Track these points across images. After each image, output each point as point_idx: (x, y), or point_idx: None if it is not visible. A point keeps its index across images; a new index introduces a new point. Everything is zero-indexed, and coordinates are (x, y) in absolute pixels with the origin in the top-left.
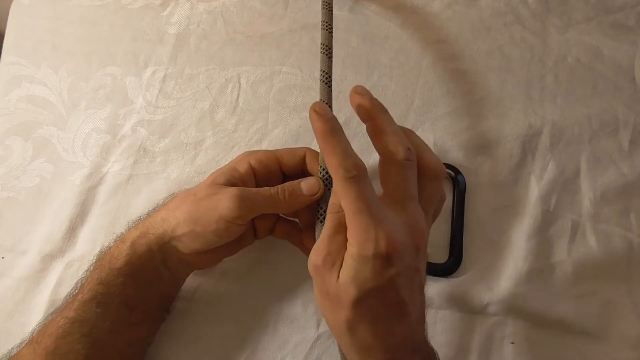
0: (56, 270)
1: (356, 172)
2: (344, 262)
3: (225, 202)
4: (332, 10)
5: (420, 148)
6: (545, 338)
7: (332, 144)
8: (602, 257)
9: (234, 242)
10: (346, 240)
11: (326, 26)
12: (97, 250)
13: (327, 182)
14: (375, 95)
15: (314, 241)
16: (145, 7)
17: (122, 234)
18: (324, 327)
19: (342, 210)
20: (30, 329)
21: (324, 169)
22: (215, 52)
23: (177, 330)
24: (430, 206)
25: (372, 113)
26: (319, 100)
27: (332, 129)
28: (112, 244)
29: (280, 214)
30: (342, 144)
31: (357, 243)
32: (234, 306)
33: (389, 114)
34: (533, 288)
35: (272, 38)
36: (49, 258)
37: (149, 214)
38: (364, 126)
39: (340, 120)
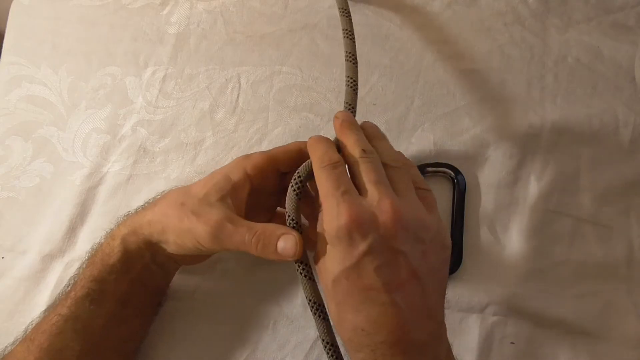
0: (56, 270)
1: (328, 162)
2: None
3: (201, 232)
4: (350, 18)
5: (378, 140)
6: (545, 338)
7: (314, 141)
8: (602, 257)
9: None
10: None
11: (348, 34)
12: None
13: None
14: (375, 95)
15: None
16: (145, 6)
17: (111, 229)
18: None
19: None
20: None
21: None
22: (215, 52)
23: (177, 331)
24: (407, 190)
25: (341, 130)
26: (343, 103)
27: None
28: (102, 240)
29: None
30: (323, 141)
31: (325, 225)
32: (234, 306)
33: (356, 126)
34: (533, 288)
35: (272, 38)
36: (49, 258)
37: (137, 211)
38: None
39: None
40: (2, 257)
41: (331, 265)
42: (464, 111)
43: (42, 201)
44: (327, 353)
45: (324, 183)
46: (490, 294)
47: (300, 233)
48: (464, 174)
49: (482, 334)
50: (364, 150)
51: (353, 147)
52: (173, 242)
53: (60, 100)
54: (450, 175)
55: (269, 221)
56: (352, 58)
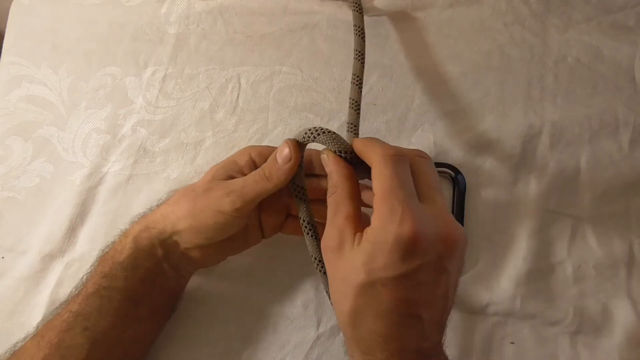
0: (56, 270)
1: (395, 153)
2: (359, 244)
3: (218, 199)
4: (364, 38)
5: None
6: (545, 338)
7: (372, 139)
8: (602, 257)
9: (239, 240)
10: (348, 217)
11: (359, 56)
12: (97, 250)
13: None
14: (375, 95)
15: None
16: (143, 3)
17: (125, 229)
18: (324, 327)
19: (338, 189)
20: (31, 329)
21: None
22: (215, 52)
23: (177, 331)
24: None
25: (373, 141)
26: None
27: None
28: (115, 239)
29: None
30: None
31: (379, 224)
32: (234, 306)
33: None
34: (533, 288)
35: (272, 38)
36: (49, 258)
37: (151, 210)
38: (364, 126)
39: (341, 119)
40: (2, 257)
41: (367, 265)
42: (464, 111)
43: (42, 201)
44: (320, 271)
45: (387, 177)
46: (491, 294)
47: (317, 235)
48: (464, 174)
49: (482, 334)
50: (420, 150)
51: (404, 150)
52: (189, 229)
53: (60, 100)
54: (450, 175)
55: (282, 224)
56: (360, 56)
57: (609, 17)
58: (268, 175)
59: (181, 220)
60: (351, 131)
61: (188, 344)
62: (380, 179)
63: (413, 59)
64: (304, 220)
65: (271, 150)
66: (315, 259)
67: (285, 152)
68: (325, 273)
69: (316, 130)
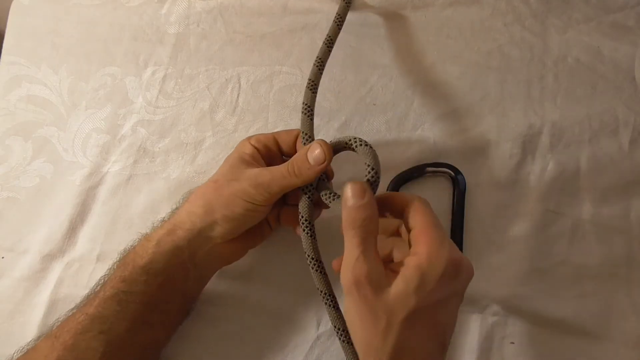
0: (56, 270)
1: (424, 200)
2: (401, 272)
3: (247, 189)
4: (340, 27)
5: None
6: (545, 338)
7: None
8: (602, 257)
9: (257, 232)
10: (378, 254)
11: (328, 42)
12: (97, 251)
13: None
14: (375, 95)
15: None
16: (143, 4)
17: (147, 233)
18: (324, 327)
19: (370, 225)
20: (31, 329)
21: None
22: (215, 52)
23: (178, 330)
24: None
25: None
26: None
27: None
28: (136, 242)
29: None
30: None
31: (428, 250)
32: (234, 306)
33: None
34: (533, 288)
35: (272, 38)
36: (49, 258)
37: (173, 212)
38: (364, 126)
39: (341, 120)
40: (2, 257)
41: (419, 291)
42: (464, 111)
43: (42, 201)
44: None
45: (429, 213)
46: (491, 294)
47: (314, 233)
48: (464, 174)
49: (482, 334)
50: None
51: (403, 195)
52: (222, 219)
53: (60, 100)
54: (450, 175)
55: (279, 214)
56: (329, 43)
57: (609, 17)
58: (297, 172)
59: (210, 212)
60: (306, 113)
61: (188, 344)
62: (422, 214)
63: (413, 59)
64: (308, 255)
65: (266, 136)
66: (323, 292)
67: (317, 152)
68: (334, 307)
69: (357, 141)
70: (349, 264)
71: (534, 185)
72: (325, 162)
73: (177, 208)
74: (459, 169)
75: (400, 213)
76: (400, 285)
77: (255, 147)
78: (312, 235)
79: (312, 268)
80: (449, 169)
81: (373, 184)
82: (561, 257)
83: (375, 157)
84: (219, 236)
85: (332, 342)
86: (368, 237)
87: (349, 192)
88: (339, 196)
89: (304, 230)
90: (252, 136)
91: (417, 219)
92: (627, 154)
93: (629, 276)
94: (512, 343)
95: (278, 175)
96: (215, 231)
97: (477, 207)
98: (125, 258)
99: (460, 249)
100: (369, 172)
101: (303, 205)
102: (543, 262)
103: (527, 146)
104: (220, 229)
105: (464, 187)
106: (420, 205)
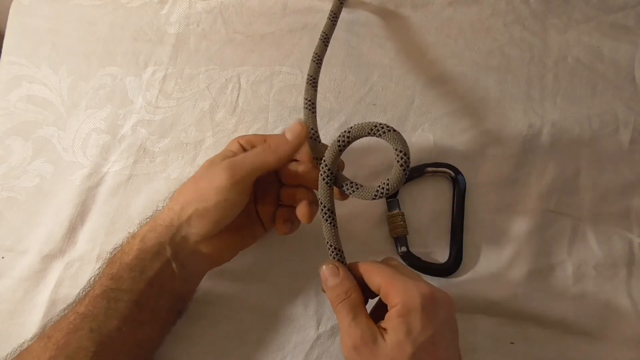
0: (56, 270)
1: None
2: (389, 326)
3: (218, 174)
4: (335, 24)
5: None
6: (545, 338)
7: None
8: (602, 257)
9: (247, 232)
10: (368, 317)
11: (324, 38)
12: (97, 251)
13: (329, 179)
14: (375, 95)
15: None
16: (144, 5)
17: (134, 231)
18: (324, 327)
19: (352, 294)
20: (30, 329)
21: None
22: (215, 52)
23: (177, 331)
24: None
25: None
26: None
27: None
28: (124, 241)
29: (280, 202)
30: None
31: (403, 300)
32: (234, 306)
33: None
34: (533, 288)
35: (272, 38)
36: (49, 258)
37: (159, 211)
38: None
39: (341, 120)
40: (2, 257)
41: (410, 336)
42: (464, 111)
43: (42, 201)
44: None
45: (384, 269)
46: (491, 294)
47: (335, 222)
48: (464, 174)
49: (482, 334)
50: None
51: (355, 266)
52: (195, 214)
53: (60, 100)
54: (450, 175)
55: (274, 213)
56: (325, 39)
57: (609, 17)
58: (274, 148)
59: (186, 207)
60: (309, 108)
61: (188, 344)
62: (377, 273)
63: (413, 59)
64: (331, 245)
65: (257, 137)
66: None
67: (295, 127)
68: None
69: (383, 127)
70: (345, 333)
71: (534, 185)
72: (303, 137)
73: (163, 207)
74: (459, 169)
75: (363, 281)
76: (392, 337)
77: (242, 146)
78: (334, 224)
79: (334, 257)
80: (449, 169)
81: (406, 168)
82: (561, 257)
83: (404, 142)
84: (196, 232)
85: (332, 342)
86: (354, 304)
87: (325, 274)
88: (361, 185)
89: (325, 219)
90: (243, 136)
91: (376, 280)
92: (627, 154)
93: (629, 276)
94: (512, 343)
95: (251, 154)
96: (193, 227)
97: (477, 207)
98: (113, 256)
99: (461, 249)
100: (402, 158)
101: (324, 194)
102: (543, 262)
103: (527, 146)
104: (196, 224)
105: (464, 187)
106: (371, 267)
